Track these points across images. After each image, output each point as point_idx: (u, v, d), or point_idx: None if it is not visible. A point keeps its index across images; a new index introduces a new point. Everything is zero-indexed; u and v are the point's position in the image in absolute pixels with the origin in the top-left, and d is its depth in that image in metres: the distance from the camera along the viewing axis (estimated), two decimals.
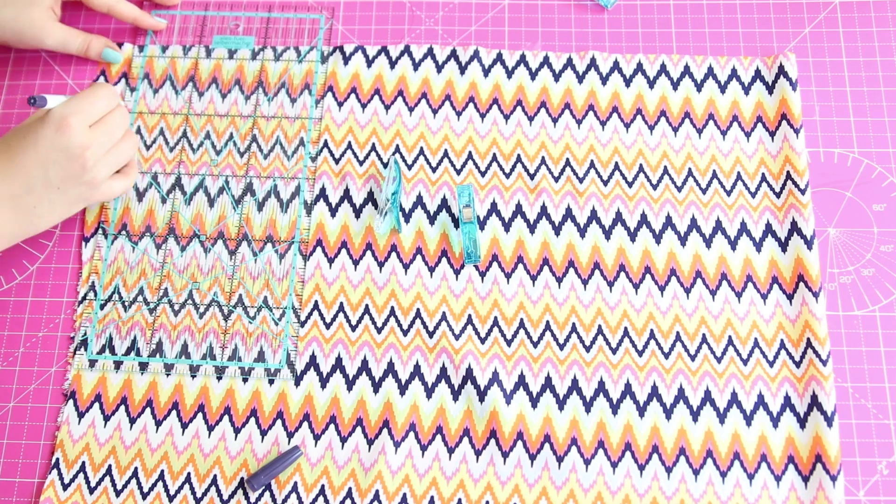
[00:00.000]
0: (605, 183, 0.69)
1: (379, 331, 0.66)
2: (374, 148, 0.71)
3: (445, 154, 0.70)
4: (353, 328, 0.66)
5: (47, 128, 0.59)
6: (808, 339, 0.63)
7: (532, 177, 0.69)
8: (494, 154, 0.70)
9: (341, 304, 0.66)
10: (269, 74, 0.73)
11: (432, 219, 0.68)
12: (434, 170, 0.70)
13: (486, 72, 0.72)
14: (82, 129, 0.60)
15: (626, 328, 0.65)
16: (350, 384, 0.64)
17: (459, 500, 0.61)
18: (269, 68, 0.73)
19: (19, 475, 0.64)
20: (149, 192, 0.70)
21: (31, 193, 0.60)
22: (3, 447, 0.64)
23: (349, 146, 0.71)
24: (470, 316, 0.66)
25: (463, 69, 0.72)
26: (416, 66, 0.73)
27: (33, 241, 0.70)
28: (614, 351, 0.64)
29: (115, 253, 0.69)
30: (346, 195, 0.69)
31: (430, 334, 0.65)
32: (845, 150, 0.68)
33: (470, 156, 0.70)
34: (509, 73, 0.72)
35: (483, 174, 0.69)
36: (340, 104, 0.72)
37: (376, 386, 0.64)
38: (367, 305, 0.66)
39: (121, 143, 0.64)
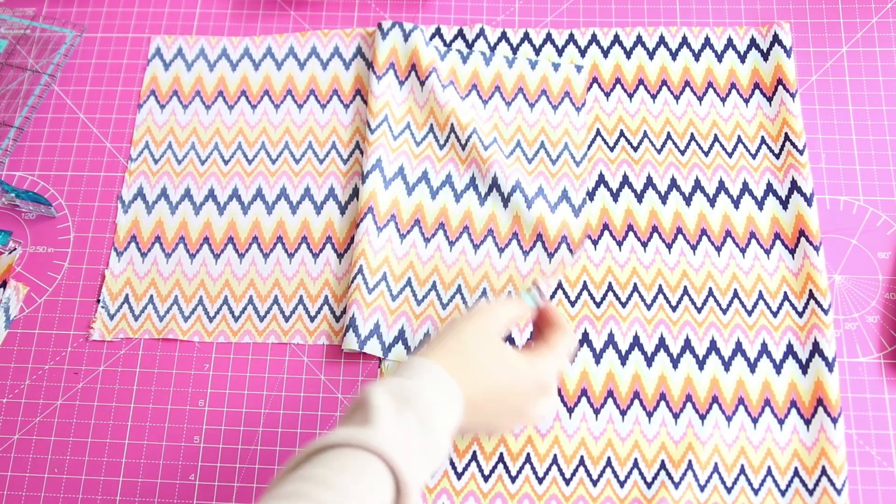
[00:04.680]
0: (612, 149, 0.75)
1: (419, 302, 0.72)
2: (408, 126, 0.77)
3: (474, 131, 0.76)
4: (394, 297, 0.72)
5: (532, 384, 0.57)
6: (811, 291, 0.69)
7: (540, 150, 0.76)
8: (518, 140, 0.76)
9: (384, 272, 0.72)
10: (298, 83, 0.80)
11: (458, 197, 0.74)
12: (463, 147, 0.75)
13: (489, 57, 0.79)
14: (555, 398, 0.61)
15: (635, 283, 0.71)
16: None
17: None
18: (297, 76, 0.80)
19: None
20: (182, 205, 0.76)
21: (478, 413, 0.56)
22: (8, 479, 0.67)
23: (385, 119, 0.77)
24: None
25: (470, 49, 0.79)
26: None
27: (41, 273, 0.73)
28: (624, 305, 0.70)
29: (149, 265, 0.74)
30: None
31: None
32: (851, 198, 0.72)
33: (494, 140, 0.76)
34: (513, 50, 0.79)
35: (509, 156, 0.76)
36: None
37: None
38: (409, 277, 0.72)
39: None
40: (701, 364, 0.68)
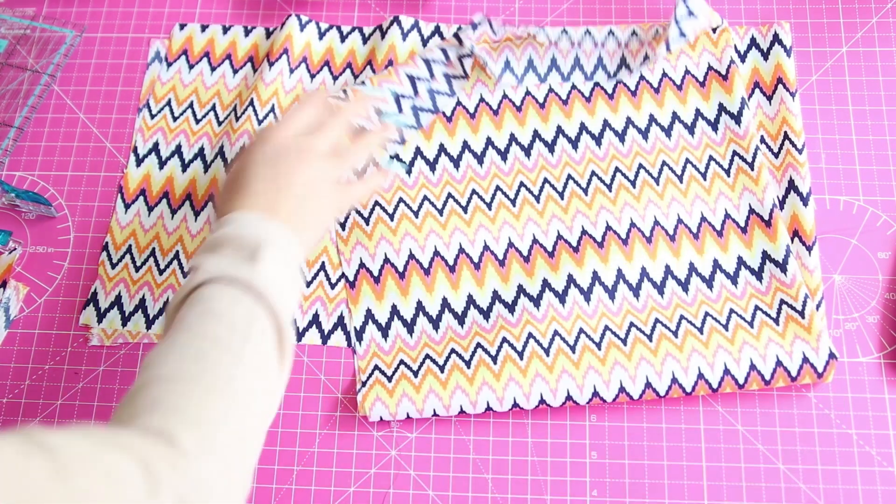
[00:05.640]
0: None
1: None
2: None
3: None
4: None
5: (255, 144, 0.60)
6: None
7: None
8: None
9: None
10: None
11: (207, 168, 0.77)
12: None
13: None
14: (285, 132, 0.61)
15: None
16: None
17: None
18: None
19: None
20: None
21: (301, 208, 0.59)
22: None
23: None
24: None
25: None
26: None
27: (41, 273, 0.74)
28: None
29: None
30: None
31: None
32: (851, 198, 0.72)
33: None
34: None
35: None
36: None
37: None
38: None
39: (351, 143, 0.65)
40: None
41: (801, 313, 0.67)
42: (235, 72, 0.80)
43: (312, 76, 0.79)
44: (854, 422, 0.66)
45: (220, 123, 0.78)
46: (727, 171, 0.73)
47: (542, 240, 0.72)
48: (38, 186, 0.77)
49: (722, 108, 0.74)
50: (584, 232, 0.71)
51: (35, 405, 0.70)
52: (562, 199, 0.73)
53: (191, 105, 0.79)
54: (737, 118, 0.73)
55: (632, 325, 0.69)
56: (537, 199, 0.73)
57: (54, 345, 0.72)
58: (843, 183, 0.73)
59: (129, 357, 0.71)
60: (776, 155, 0.73)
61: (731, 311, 0.69)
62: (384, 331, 0.70)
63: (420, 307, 0.71)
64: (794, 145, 0.73)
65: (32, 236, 0.75)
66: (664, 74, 0.76)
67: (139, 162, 0.77)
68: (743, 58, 0.77)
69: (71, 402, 0.70)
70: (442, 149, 0.75)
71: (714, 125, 0.74)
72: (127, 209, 0.75)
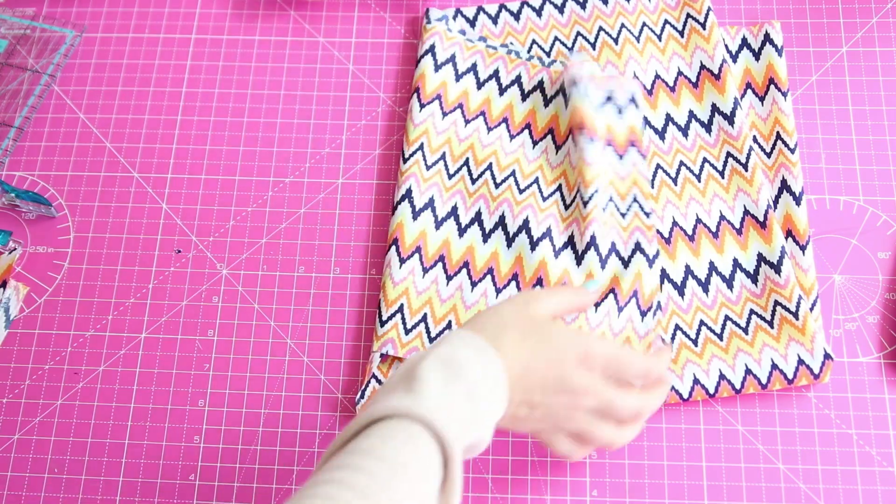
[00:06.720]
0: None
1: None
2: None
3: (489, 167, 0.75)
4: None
5: (571, 353, 0.55)
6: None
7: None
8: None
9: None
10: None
11: (486, 237, 0.72)
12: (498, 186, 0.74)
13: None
14: (601, 372, 0.56)
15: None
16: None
17: None
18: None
19: None
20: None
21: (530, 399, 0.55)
22: (8, 479, 0.68)
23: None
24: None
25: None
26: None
27: (41, 273, 0.74)
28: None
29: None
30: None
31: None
32: (850, 198, 0.72)
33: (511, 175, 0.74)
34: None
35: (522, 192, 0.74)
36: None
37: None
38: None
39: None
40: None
41: (795, 314, 0.67)
42: (468, 122, 0.76)
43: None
44: (854, 422, 0.66)
45: (473, 181, 0.74)
46: (721, 173, 0.73)
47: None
48: (38, 186, 0.77)
49: (715, 109, 0.74)
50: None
51: (35, 405, 0.70)
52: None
53: (443, 156, 0.75)
54: (730, 119, 0.73)
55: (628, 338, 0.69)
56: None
57: (54, 345, 0.72)
58: (843, 183, 0.73)
59: (129, 357, 0.71)
60: (768, 155, 0.73)
61: (727, 317, 0.69)
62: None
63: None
64: (786, 145, 0.73)
65: (32, 236, 0.75)
66: (657, 76, 0.76)
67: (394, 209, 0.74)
68: (734, 58, 0.77)
69: (71, 402, 0.70)
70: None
71: (707, 126, 0.74)
72: None
